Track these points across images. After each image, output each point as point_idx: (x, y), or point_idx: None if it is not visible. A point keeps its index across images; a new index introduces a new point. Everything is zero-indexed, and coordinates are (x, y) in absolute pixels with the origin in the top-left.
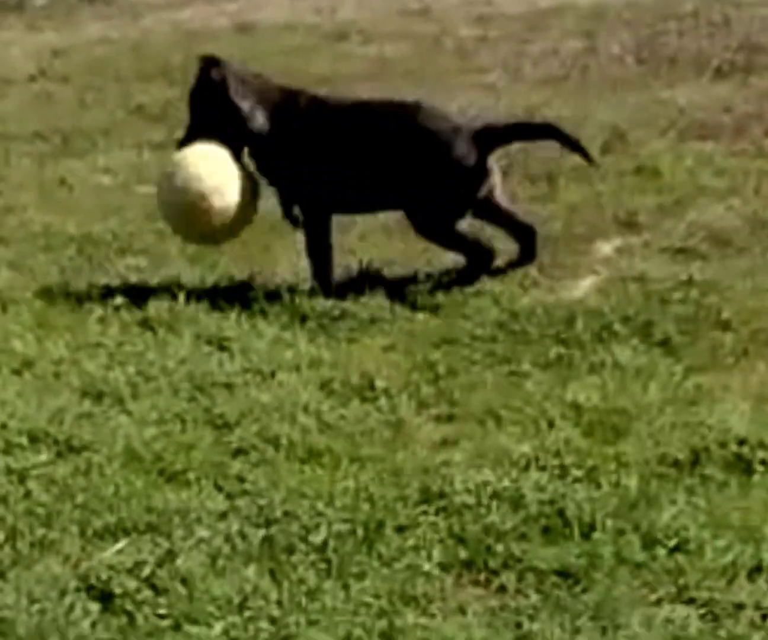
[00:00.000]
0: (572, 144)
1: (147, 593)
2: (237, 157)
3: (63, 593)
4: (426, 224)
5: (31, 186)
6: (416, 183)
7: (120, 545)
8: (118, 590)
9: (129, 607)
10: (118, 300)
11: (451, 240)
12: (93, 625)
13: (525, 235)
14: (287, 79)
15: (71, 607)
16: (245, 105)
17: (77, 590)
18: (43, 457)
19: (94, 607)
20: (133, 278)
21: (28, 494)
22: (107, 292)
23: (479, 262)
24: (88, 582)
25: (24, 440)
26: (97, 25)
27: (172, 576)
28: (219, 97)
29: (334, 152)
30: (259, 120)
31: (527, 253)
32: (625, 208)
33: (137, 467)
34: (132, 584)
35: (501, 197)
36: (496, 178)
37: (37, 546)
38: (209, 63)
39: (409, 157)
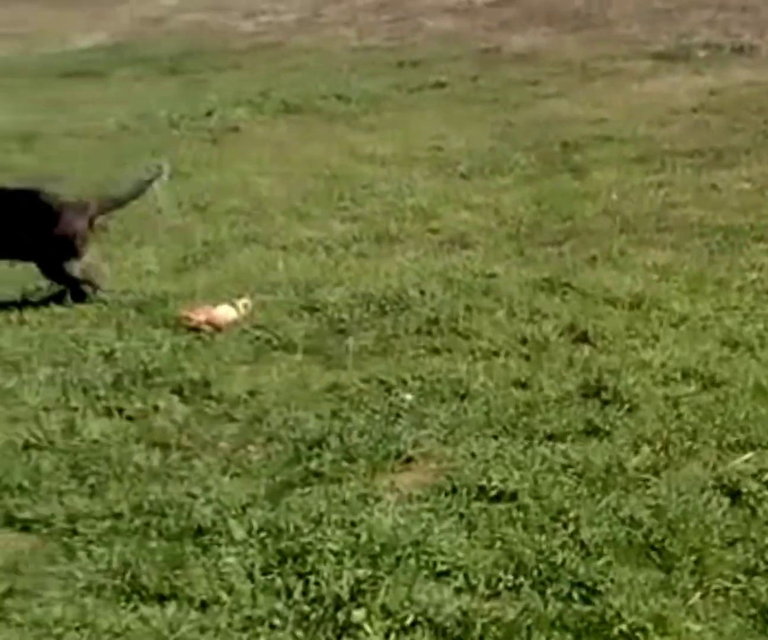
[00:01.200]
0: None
1: (766, 492)
2: None
3: (702, 490)
4: (45, 269)
5: (689, 189)
6: (35, 241)
7: (747, 456)
8: (744, 490)
9: (752, 503)
10: (754, 275)
11: (63, 279)
12: (723, 514)
13: None
14: None
15: (707, 500)
16: None
17: (713, 487)
18: (692, 388)
19: (725, 501)
20: (765, 259)
21: (678, 416)
22: (750, 269)
23: (76, 295)
24: (722, 482)
25: (678, 376)
26: (744, 71)
27: None
28: None
29: None
30: None
31: None
32: None
33: (763, 399)
34: (755, 486)
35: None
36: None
37: (684, 454)
38: None
39: (31, 224)
